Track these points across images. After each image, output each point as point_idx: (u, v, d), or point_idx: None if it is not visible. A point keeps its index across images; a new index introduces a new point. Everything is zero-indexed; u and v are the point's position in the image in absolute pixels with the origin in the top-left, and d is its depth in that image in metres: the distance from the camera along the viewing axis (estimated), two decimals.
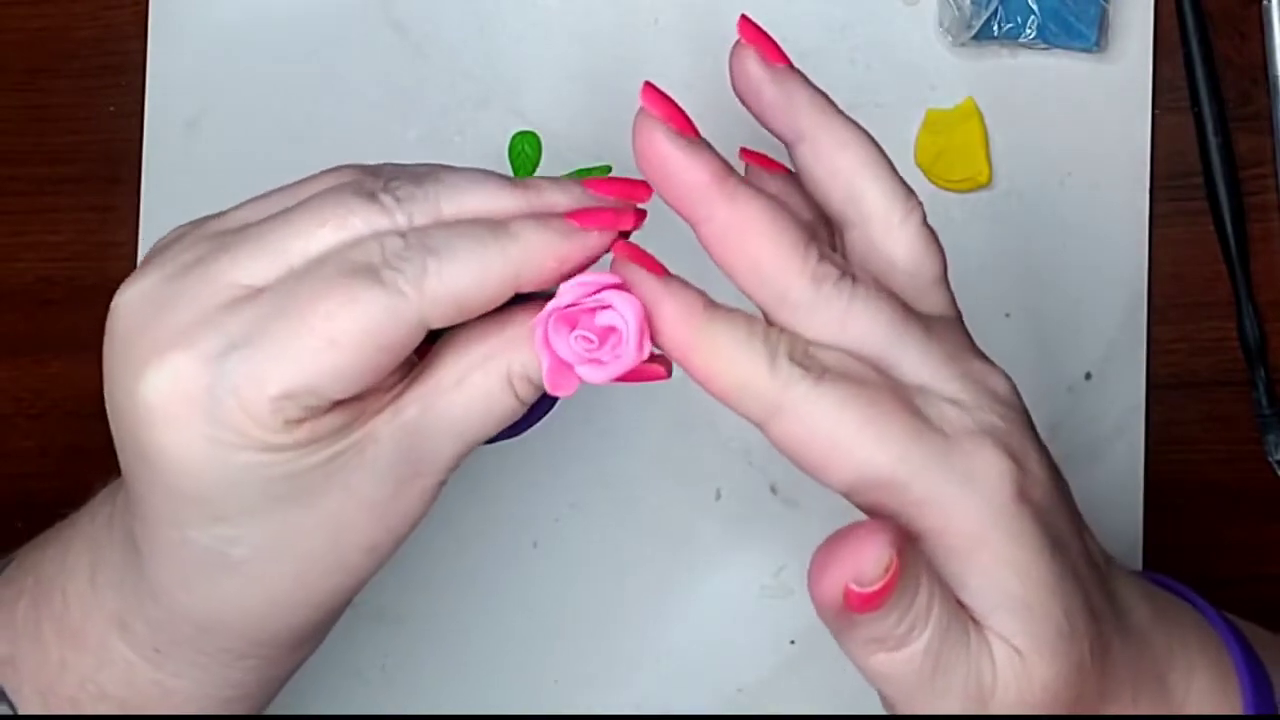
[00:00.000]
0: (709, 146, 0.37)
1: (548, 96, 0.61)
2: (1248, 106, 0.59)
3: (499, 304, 0.37)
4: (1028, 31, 0.58)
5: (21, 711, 0.42)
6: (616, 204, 0.38)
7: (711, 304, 0.36)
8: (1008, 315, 0.59)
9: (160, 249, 0.39)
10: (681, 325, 0.36)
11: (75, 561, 0.43)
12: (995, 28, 0.58)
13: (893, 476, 0.35)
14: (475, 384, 0.37)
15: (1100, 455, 0.59)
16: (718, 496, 0.60)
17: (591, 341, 0.36)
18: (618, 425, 0.60)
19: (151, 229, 0.60)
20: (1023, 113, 0.59)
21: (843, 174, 0.38)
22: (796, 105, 0.38)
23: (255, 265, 0.36)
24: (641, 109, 0.36)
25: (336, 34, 0.61)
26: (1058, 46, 0.59)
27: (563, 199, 0.38)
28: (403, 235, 0.36)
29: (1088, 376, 0.59)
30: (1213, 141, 0.59)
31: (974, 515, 0.35)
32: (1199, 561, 0.59)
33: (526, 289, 0.37)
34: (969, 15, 0.58)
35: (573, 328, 0.36)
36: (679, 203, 0.36)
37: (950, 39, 0.59)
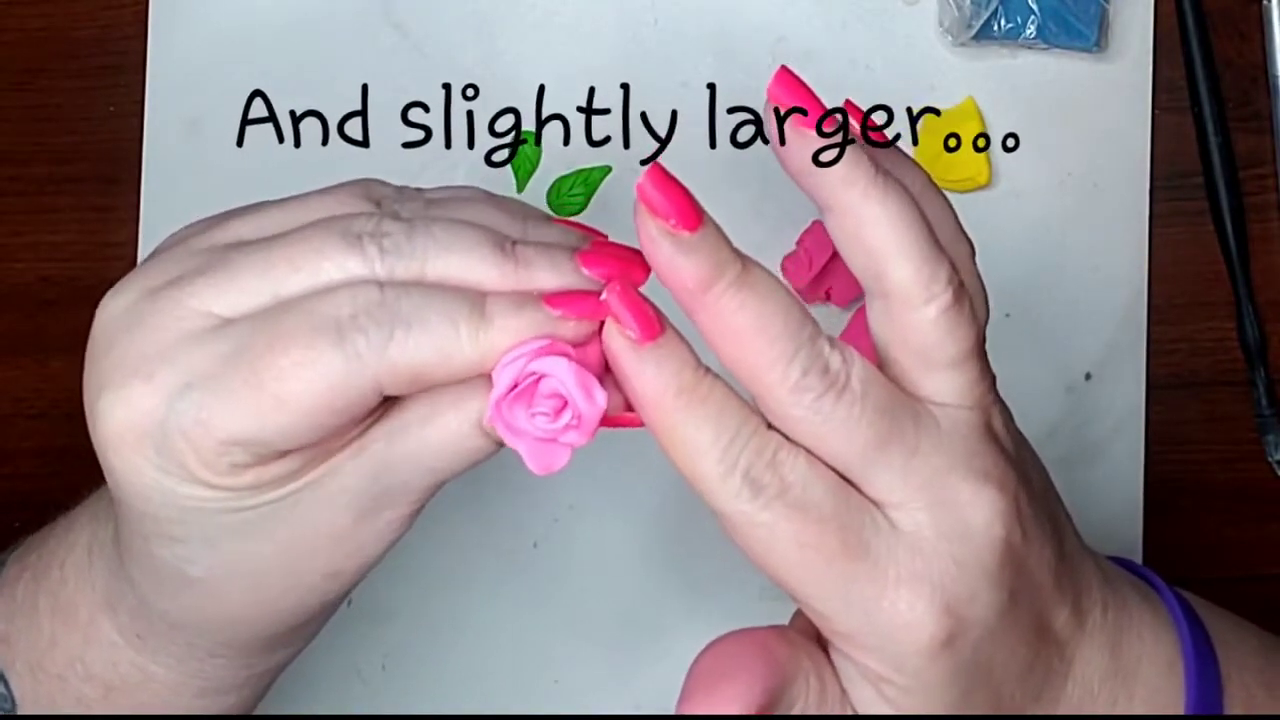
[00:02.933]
0: (709, 234, 0.35)
1: (548, 96, 0.60)
2: (1248, 106, 0.59)
3: (459, 380, 0.36)
4: (1028, 31, 0.58)
5: (15, 689, 0.43)
6: (601, 286, 0.37)
7: (692, 380, 0.35)
8: (1008, 315, 0.59)
9: (156, 253, 0.39)
10: (650, 407, 0.35)
11: (76, 537, 0.43)
12: (995, 28, 0.58)
13: (814, 609, 0.36)
14: (446, 423, 0.36)
15: (1100, 455, 0.59)
16: None
17: (549, 415, 0.36)
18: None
19: (151, 229, 0.60)
20: (1023, 113, 0.59)
21: (867, 252, 0.37)
22: (824, 179, 0.37)
23: (227, 297, 0.36)
24: (638, 198, 0.35)
25: (336, 34, 0.61)
26: (1058, 46, 0.59)
27: (551, 279, 0.37)
28: (379, 287, 0.35)
29: (1088, 376, 0.59)
30: (1213, 141, 0.59)
31: (887, 662, 0.36)
32: (1199, 561, 0.59)
33: (485, 372, 0.36)
34: (969, 15, 0.58)
35: (529, 404, 0.36)
36: (672, 294, 0.36)
37: (950, 39, 0.59)
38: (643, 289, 0.37)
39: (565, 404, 0.36)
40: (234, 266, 0.36)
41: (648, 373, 0.35)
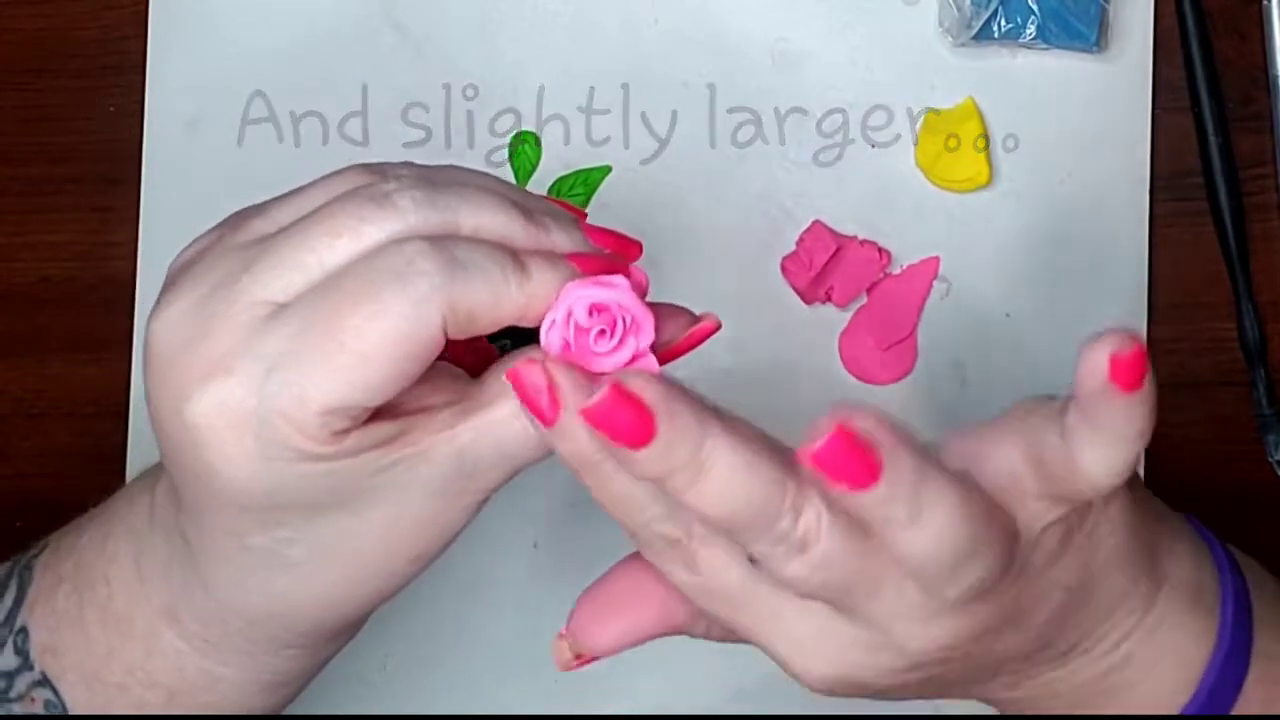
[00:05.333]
0: (659, 445, 0.34)
1: (548, 96, 0.61)
2: (1248, 106, 0.59)
3: (497, 330, 0.37)
4: (1028, 31, 0.58)
5: (66, 698, 0.43)
6: (609, 256, 0.39)
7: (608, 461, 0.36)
8: (1008, 315, 0.59)
9: (184, 266, 0.39)
10: (580, 462, 0.37)
11: (116, 548, 0.43)
12: (995, 28, 0.58)
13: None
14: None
15: None
16: None
17: (607, 332, 0.37)
18: None
19: (151, 229, 0.60)
20: (1023, 113, 0.59)
21: (903, 558, 0.36)
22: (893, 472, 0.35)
23: (276, 282, 0.37)
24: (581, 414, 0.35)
25: (336, 34, 0.61)
26: (1058, 46, 0.59)
27: (565, 242, 0.38)
28: (425, 238, 0.36)
29: None
30: (1213, 141, 0.59)
31: None
32: None
33: (524, 324, 0.38)
34: (969, 15, 0.58)
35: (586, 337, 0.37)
36: None
37: (950, 39, 0.59)
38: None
39: (615, 320, 0.37)
40: (275, 253, 0.37)
41: (564, 448, 0.37)
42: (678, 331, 0.39)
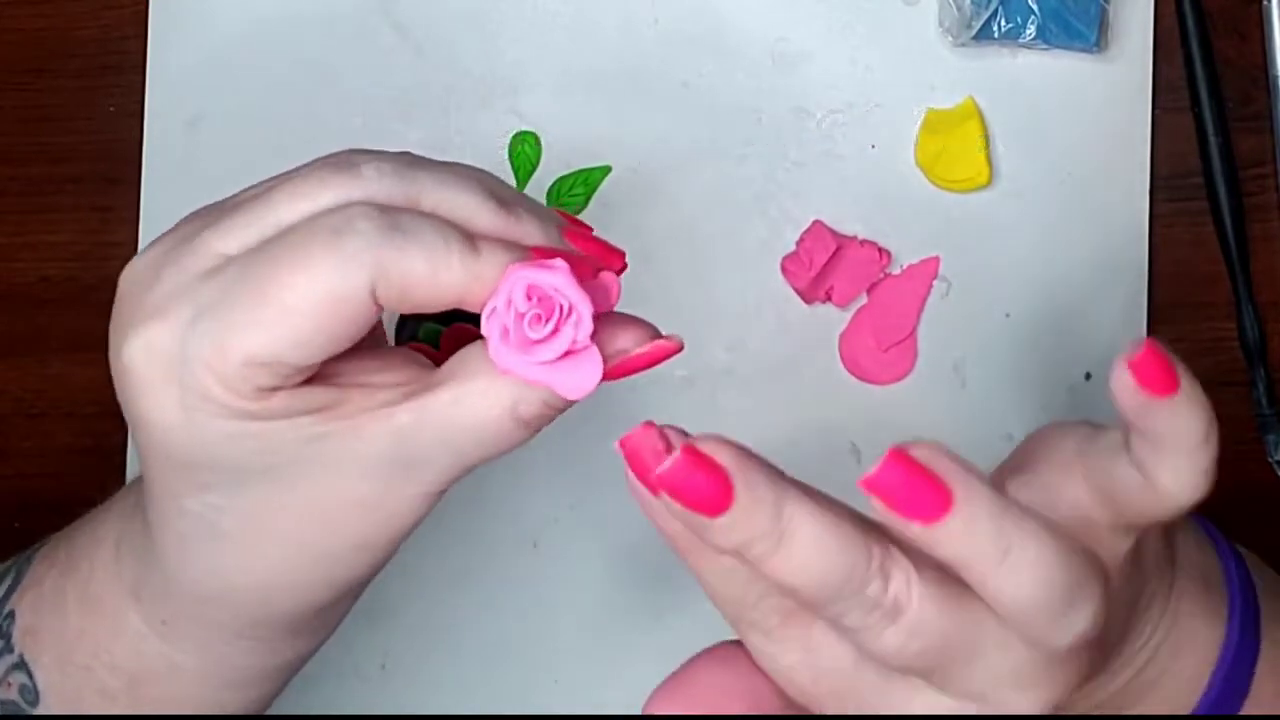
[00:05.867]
0: (740, 509, 0.32)
1: (548, 96, 0.61)
2: (1248, 106, 0.59)
3: (437, 309, 0.36)
4: (1028, 31, 0.58)
5: (40, 682, 0.43)
6: (583, 256, 0.38)
7: (765, 551, 0.33)
8: (1008, 315, 0.59)
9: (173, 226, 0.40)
10: (679, 542, 0.36)
11: (105, 532, 0.44)
12: (995, 28, 0.58)
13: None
14: (474, 405, 0.37)
15: None
16: None
17: (542, 318, 0.35)
18: (617, 425, 0.60)
19: (151, 229, 0.60)
20: (1023, 113, 0.59)
21: (1004, 606, 0.33)
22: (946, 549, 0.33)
23: (233, 235, 0.37)
24: (652, 485, 0.33)
25: (337, 34, 0.61)
26: (1058, 46, 0.59)
27: (536, 235, 0.38)
28: (375, 205, 0.36)
29: (1088, 376, 0.59)
30: (1213, 141, 0.59)
31: None
32: None
33: (468, 308, 0.37)
34: (969, 15, 0.58)
35: (522, 327, 0.36)
36: None
37: (950, 39, 0.59)
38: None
39: (552, 305, 0.35)
40: (239, 209, 0.37)
41: (716, 540, 0.33)
42: (633, 344, 0.37)
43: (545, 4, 0.61)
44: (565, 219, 0.40)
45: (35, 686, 0.43)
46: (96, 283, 0.61)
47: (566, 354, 0.36)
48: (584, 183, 0.60)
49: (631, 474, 0.34)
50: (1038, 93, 0.59)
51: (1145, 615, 0.39)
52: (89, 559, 0.43)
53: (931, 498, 0.31)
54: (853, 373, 0.59)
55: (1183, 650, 0.40)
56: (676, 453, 0.32)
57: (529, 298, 0.35)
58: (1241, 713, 0.40)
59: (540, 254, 0.37)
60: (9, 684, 0.43)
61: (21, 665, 0.43)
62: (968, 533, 0.32)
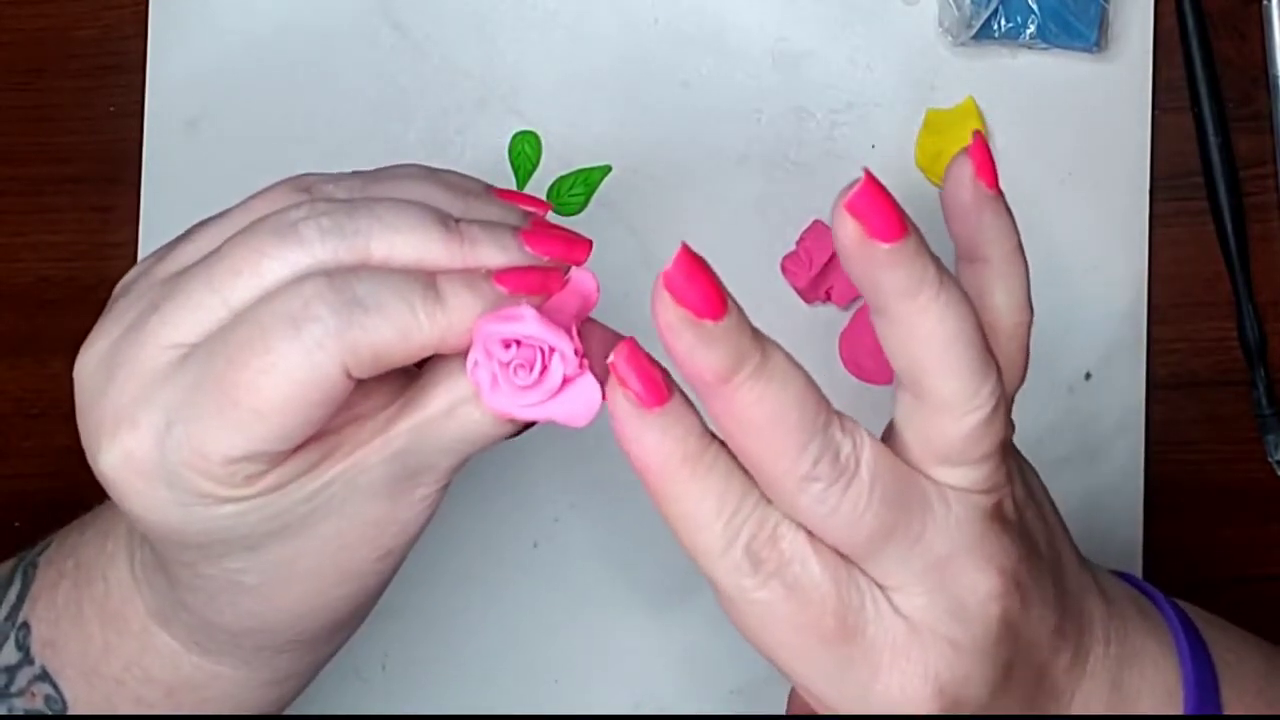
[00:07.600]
0: (731, 322, 0.33)
1: (548, 96, 0.61)
2: (1248, 106, 0.59)
3: (420, 359, 0.36)
4: (1028, 31, 0.58)
5: (66, 693, 0.43)
6: (548, 264, 0.37)
7: (697, 449, 0.34)
8: None
9: (117, 295, 0.39)
10: (651, 474, 0.34)
11: (115, 548, 0.43)
12: (995, 28, 0.58)
13: (807, 689, 0.35)
14: (469, 415, 0.37)
15: (1100, 455, 0.59)
16: None
17: (527, 366, 0.35)
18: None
19: (151, 229, 0.60)
20: (1023, 113, 0.59)
21: (910, 360, 0.35)
22: (881, 286, 0.34)
23: (182, 323, 0.36)
24: (662, 285, 0.33)
25: (337, 34, 0.61)
26: (1058, 46, 0.59)
27: (493, 256, 0.37)
28: (327, 275, 0.35)
29: (1088, 376, 0.59)
30: (1213, 141, 0.59)
31: None
32: (1199, 561, 0.59)
33: (446, 352, 0.36)
34: (969, 15, 0.58)
35: (510, 373, 0.36)
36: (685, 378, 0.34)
37: (950, 39, 0.59)
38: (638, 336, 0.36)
39: (532, 352, 0.35)
40: (182, 291, 0.36)
41: (650, 439, 0.34)
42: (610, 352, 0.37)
43: (545, 4, 0.61)
44: (520, 206, 0.39)
45: (61, 697, 0.43)
46: (96, 283, 0.61)
47: (560, 388, 0.36)
48: (584, 183, 0.60)
49: (614, 396, 0.34)
50: (1038, 93, 0.59)
51: (1090, 615, 0.39)
52: (103, 576, 0.43)
53: (893, 219, 0.33)
54: (853, 373, 0.59)
55: (1139, 660, 0.40)
56: (676, 255, 0.32)
57: (507, 346, 0.35)
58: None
59: (502, 278, 0.36)
60: (33, 694, 0.43)
61: (45, 676, 0.43)
62: (919, 252, 0.33)
